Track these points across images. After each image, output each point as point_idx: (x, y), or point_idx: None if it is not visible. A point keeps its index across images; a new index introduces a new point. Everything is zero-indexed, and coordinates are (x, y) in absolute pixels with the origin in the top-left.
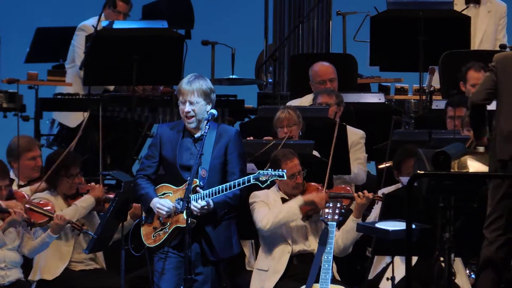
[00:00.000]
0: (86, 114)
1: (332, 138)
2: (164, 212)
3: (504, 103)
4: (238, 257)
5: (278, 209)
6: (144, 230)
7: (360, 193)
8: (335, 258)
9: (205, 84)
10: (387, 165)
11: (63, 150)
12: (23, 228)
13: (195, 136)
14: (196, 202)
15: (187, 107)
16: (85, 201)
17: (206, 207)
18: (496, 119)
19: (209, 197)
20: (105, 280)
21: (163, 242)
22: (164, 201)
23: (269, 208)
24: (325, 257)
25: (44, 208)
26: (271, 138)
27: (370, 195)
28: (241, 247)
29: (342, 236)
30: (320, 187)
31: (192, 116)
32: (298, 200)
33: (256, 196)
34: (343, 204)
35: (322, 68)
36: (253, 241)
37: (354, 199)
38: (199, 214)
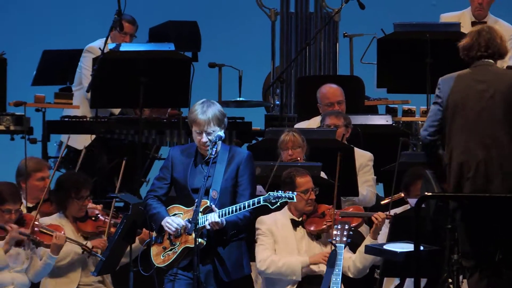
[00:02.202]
0: (92, 136)
1: (341, 160)
2: (173, 229)
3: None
4: (247, 278)
5: (282, 262)
6: (154, 250)
7: (376, 215)
8: (345, 280)
9: (218, 110)
10: (392, 199)
11: (73, 172)
12: (32, 251)
13: (207, 159)
14: (213, 217)
15: (205, 138)
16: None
17: (218, 225)
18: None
19: (219, 217)
20: None
21: (172, 262)
22: (174, 218)
23: (274, 238)
24: (334, 279)
25: (52, 230)
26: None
27: (385, 216)
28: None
29: (360, 258)
30: (330, 208)
31: (209, 146)
32: (304, 261)
33: (263, 223)
34: (352, 225)
35: (330, 90)
36: None
37: (365, 218)
38: (209, 228)
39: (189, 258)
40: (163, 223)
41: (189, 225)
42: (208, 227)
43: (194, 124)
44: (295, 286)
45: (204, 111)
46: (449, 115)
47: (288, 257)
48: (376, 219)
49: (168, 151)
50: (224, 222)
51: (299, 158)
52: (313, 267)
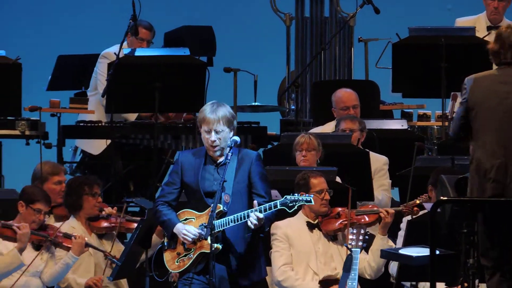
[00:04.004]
0: (108, 142)
1: (355, 164)
2: (190, 239)
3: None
4: (263, 283)
5: (299, 285)
6: (167, 255)
7: (384, 211)
8: (360, 284)
9: (228, 111)
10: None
11: (84, 176)
12: (49, 255)
13: (217, 162)
14: (255, 214)
15: (213, 136)
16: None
17: (263, 220)
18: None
19: (234, 222)
20: None
21: (187, 268)
22: (190, 228)
23: (290, 243)
24: (349, 283)
25: (71, 234)
26: None
27: (393, 210)
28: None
29: (373, 257)
30: (345, 209)
31: (217, 145)
32: None
33: (278, 228)
34: (368, 222)
35: (346, 95)
36: None
37: (381, 214)
38: (252, 227)
39: (204, 262)
40: (177, 232)
41: (203, 233)
42: (252, 226)
43: (203, 123)
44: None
45: (214, 110)
46: (472, 116)
47: (306, 282)
48: (385, 214)
49: (177, 156)
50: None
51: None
52: (329, 272)
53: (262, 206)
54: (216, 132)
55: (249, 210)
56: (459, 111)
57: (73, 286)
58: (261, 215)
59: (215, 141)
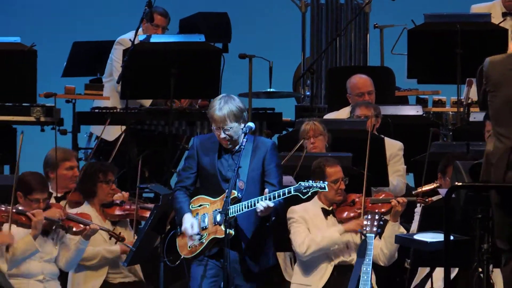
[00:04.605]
0: (123, 128)
1: (371, 150)
2: (188, 235)
3: None
4: (276, 268)
5: (320, 237)
6: (179, 241)
7: (394, 200)
8: (374, 270)
9: (235, 106)
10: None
11: (99, 162)
12: (61, 241)
13: (232, 149)
14: (264, 201)
15: (222, 134)
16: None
17: (270, 209)
18: None
19: (248, 208)
20: None
21: (199, 253)
22: (192, 224)
23: (307, 226)
24: (364, 268)
25: (81, 218)
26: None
27: (405, 199)
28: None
29: (385, 244)
30: (360, 196)
31: (228, 140)
32: (340, 229)
33: (294, 212)
34: (383, 211)
35: (361, 81)
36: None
37: (393, 203)
38: (259, 214)
39: (218, 247)
40: (183, 226)
41: (198, 237)
42: (259, 213)
43: (211, 120)
44: (328, 273)
45: (221, 107)
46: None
47: (323, 231)
48: (395, 203)
49: (192, 141)
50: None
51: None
52: (344, 258)
53: (274, 192)
54: (225, 130)
55: (260, 197)
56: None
57: (107, 255)
58: (271, 204)
59: (225, 137)
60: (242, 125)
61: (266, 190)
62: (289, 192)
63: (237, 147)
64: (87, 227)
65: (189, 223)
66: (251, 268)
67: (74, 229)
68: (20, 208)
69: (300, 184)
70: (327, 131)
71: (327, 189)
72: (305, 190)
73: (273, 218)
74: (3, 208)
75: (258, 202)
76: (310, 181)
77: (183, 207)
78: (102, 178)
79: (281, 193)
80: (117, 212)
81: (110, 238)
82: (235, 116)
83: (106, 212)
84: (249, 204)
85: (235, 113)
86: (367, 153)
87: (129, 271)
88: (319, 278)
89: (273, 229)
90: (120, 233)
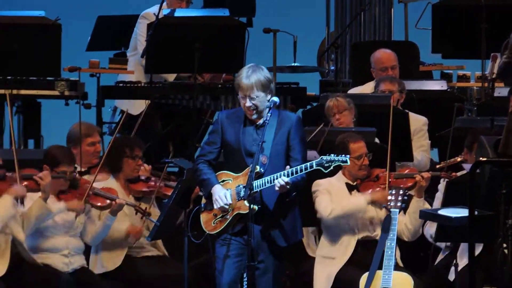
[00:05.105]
0: (147, 102)
1: (395, 125)
2: (219, 206)
3: None
4: (299, 244)
5: (345, 202)
6: (204, 217)
7: (418, 175)
8: (399, 245)
9: (263, 76)
10: (447, 164)
11: (126, 136)
12: (86, 216)
13: (257, 123)
14: (281, 178)
15: (248, 102)
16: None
17: (288, 186)
18: None
19: (271, 183)
20: (168, 268)
21: (224, 229)
22: (225, 194)
23: (332, 197)
24: (388, 243)
25: (107, 193)
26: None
27: (429, 175)
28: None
29: (409, 219)
30: (384, 171)
31: (254, 110)
32: (366, 197)
33: (319, 185)
34: (408, 186)
35: (384, 55)
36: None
37: (417, 178)
38: (277, 189)
39: (241, 224)
40: (213, 195)
41: (242, 194)
42: (277, 189)
43: (238, 89)
44: (352, 247)
45: (248, 76)
46: None
47: (348, 198)
48: (420, 178)
49: (217, 115)
50: (290, 182)
51: (346, 123)
52: (368, 232)
53: (297, 167)
54: (251, 98)
55: (282, 172)
56: None
57: (113, 234)
58: (288, 180)
59: (250, 106)
60: (269, 96)
61: (287, 167)
62: (311, 166)
63: (261, 121)
64: (113, 202)
65: (222, 192)
66: (276, 243)
67: (99, 204)
68: (26, 173)
69: (322, 158)
70: (352, 105)
71: (349, 163)
72: (327, 164)
73: (294, 193)
74: (10, 174)
75: (279, 177)
76: (332, 155)
77: (211, 178)
78: (128, 153)
79: (303, 168)
80: (142, 188)
81: (136, 213)
82: (262, 86)
83: (131, 187)
84: (272, 179)
85: (263, 82)
86: (390, 128)
87: (152, 245)
88: (343, 251)
89: (299, 203)
90: (146, 208)
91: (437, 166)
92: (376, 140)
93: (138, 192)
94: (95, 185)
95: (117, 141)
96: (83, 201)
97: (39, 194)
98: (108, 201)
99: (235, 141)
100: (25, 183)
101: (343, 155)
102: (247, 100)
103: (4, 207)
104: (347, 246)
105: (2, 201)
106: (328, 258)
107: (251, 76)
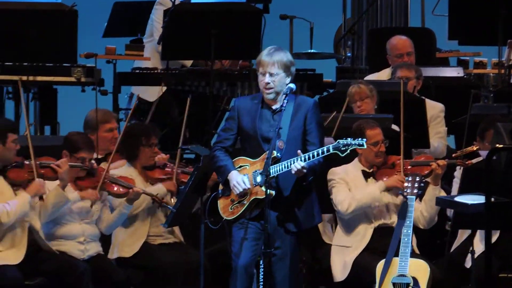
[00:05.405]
0: (163, 88)
1: (412, 112)
2: (239, 191)
3: None
4: (315, 230)
5: (361, 194)
6: (221, 203)
7: (434, 163)
8: (415, 232)
9: (286, 56)
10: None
11: (142, 124)
12: (102, 203)
13: (274, 108)
14: (297, 162)
15: (267, 78)
16: (160, 190)
17: (304, 170)
18: None
19: (287, 168)
20: (185, 254)
21: (241, 215)
22: (241, 181)
23: (348, 187)
24: (405, 230)
25: (124, 181)
26: None
27: (445, 162)
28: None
29: (425, 207)
30: (400, 159)
31: (271, 88)
32: (380, 185)
33: (335, 174)
34: (424, 173)
35: (400, 42)
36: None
37: (433, 166)
38: (296, 174)
39: (258, 210)
40: (230, 181)
41: (258, 180)
42: (293, 173)
43: (258, 65)
44: (369, 235)
45: (271, 53)
46: None
47: (363, 189)
48: (435, 166)
49: (233, 102)
50: (306, 167)
51: (368, 110)
52: (385, 220)
53: (314, 151)
54: (270, 75)
55: (298, 157)
56: None
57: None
58: (305, 164)
59: (268, 83)
60: (288, 79)
61: (299, 151)
62: (328, 150)
63: (277, 106)
64: (130, 190)
65: (239, 178)
66: (293, 228)
67: (115, 190)
68: (43, 161)
69: (338, 142)
70: (374, 92)
71: (365, 146)
72: (344, 148)
73: (311, 178)
74: (27, 163)
75: (296, 162)
76: (349, 138)
77: (227, 165)
78: (144, 142)
79: (320, 152)
80: (159, 175)
81: (153, 203)
82: (283, 65)
83: (148, 174)
84: (289, 164)
85: (285, 62)
86: (401, 115)
87: (169, 232)
88: (360, 240)
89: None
90: (163, 198)
91: (453, 155)
92: (395, 127)
93: (155, 179)
94: (112, 172)
95: (133, 129)
96: (97, 190)
97: (57, 182)
98: (125, 189)
99: (251, 128)
100: (42, 171)
101: (359, 139)
102: (266, 76)
103: (21, 205)
104: (364, 235)
105: (19, 199)
106: (345, 247)
107: (273, 54)
